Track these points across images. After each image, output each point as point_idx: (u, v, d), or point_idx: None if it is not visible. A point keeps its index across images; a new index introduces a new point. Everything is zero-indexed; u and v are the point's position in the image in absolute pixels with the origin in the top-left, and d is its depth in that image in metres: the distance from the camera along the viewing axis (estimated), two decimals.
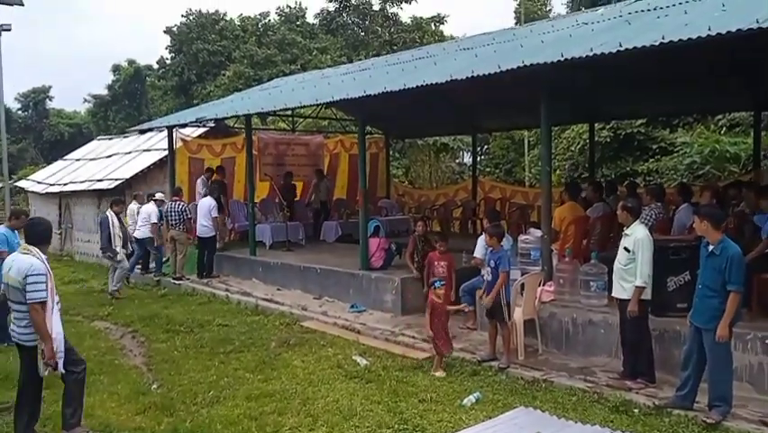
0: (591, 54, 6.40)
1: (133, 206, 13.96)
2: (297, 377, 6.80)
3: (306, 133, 17.83)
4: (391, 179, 19.14)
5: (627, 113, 16.14)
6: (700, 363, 5.45)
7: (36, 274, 4.87)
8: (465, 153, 27.62)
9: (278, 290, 11.40)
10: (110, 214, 11.84)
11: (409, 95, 8.86)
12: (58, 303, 5.12)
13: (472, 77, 7.53)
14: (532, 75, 7.22)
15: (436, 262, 7.84)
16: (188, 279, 12.64)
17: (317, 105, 12.78)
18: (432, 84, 8.09)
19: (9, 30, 14.36)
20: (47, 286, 4.92)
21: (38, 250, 5.08)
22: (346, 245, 13.14)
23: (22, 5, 14.49)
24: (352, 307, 9.87)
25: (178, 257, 12.76)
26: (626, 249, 6.19)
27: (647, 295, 6.15)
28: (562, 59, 6.62)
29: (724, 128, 17.79)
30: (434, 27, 37.73)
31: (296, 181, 15.93)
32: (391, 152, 20.14)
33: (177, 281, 12.55)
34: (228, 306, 10.67)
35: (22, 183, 25.87)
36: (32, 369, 4.98)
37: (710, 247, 5.33)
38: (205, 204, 12.59)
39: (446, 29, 38.54)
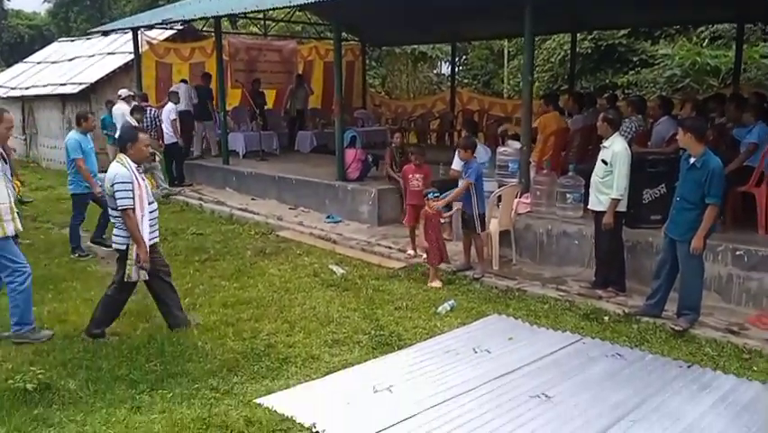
0: None
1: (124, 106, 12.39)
2: (274, 285, 6.81)
3: (279, 39, 17.09)
4: (368, 89, 18.67)
5: (610, 23, 15.75)
6: (672, 274, 5.56)
7: (121, 182, 4.96)
8: (443, 63, 26.97)
9: (253, 199, 11.27)
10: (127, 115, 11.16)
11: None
12: (152, 211, 5.21)
13: None
14: None
15: (411, 175, 7.70)
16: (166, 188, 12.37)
17: (291, 7, 12.14)
18: None
19: None
20: (133, 193, 4.97)
21: (127, 157, 5.09)
22: (321, 156, 12.95)
23: None
24: (328, 217, 9.83)
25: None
26: (603, 161, 6.15)
27: (623, 207, 6.18)
28: None
29: (706, 40, 17.52)
30: None
31: (268, 89, 15.46)
32: (368, 61, 19.51)
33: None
34: (202, 215, 10.55)
35: None
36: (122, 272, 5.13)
37: (692, 160, 5.31)
38: (167, 110, 12.21)
39: None
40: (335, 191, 10.04)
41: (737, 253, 5.93)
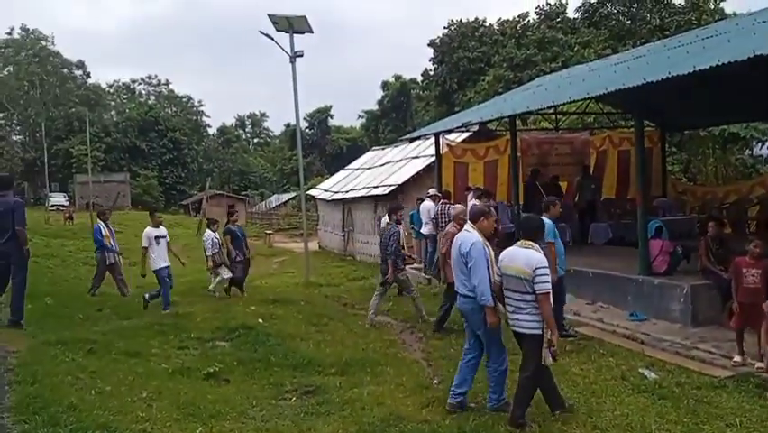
0: None
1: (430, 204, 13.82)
2: (578, 386, 6.46)
3: (571, 131, 17.13)
4: (668, 177, 17.37)
5: None
6: None
7: (544, 267, 5.22)
8: (759, 144, 23.83)
9: None
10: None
11: (692, 81, 7.87)
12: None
13: None
14: None
15: (745, 270, 6.73)
16: None
17: (587, 99, 12.14)
18: (731, 63, 7.05)
19: (302, 56, 16.36)
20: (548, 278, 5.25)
21: (537, 245, 5.44)
22: (618, 248, 12.26)
23: (312, 33, 16.39)
24: (632, 315, 9.13)
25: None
26: None
27: None
28: None
29: None
30: (712, 5, 33.49)
31: (561, 182, 15.41)
32: (667, 147, 18.27)
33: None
34: None
35: (312, 192, 29.53)
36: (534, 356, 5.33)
37: None
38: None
39: (728, 5, 33.99)
40: (639, 286, 9.33)
41: None
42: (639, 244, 9.55)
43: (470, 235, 5.69)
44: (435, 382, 6.93)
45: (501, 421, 5.46)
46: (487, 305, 5.50)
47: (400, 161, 20.93)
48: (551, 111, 15.89)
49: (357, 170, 25.12)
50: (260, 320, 10.02)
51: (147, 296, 10.81)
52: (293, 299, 12.38)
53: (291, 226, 40.03)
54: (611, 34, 36.06)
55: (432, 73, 44.77)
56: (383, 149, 26.75)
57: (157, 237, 10.76)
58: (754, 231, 14.05)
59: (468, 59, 39.78)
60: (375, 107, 58.31)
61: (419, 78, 48.96)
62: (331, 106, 68.46)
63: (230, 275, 12.37)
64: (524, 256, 5.29)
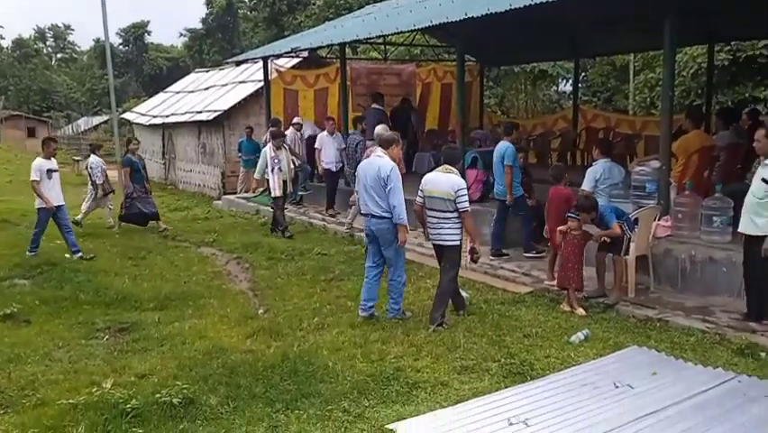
0: None
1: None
2: None
3: (398, 62, 17.39)
4: (485, 109, 18.48)
5: (752, 33, 14.53)
6: None
7: (463, 189, 6.06)
8: (563, 81, 26.21)
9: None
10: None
11: (509, 17, 8.29)
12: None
13: None
14: None
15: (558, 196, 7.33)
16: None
17: (414, 31, 12.29)
18: (544, 2, 7.46)
19: None
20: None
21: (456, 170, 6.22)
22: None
23: None
24: None
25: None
26: (764, 180, 5.59)
27: None
28: None
29: None
30: None
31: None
32: (485, 81, 19.34)
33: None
34: (325, 235, 10.83)
35: (127, 115, 27.16)
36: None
37: None
38: (325, 137, 12.38)
39: None
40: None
41: None
42: None
43: (386, 161, 6.24)
44: (261, 311, 6.88)
45: (327, 339, 5.59)
46: (402, 223, 6.17)
47: (226, 85, 19.91)
48: (380, 41, 15.94)
49: (178, 93, 23.51)
50: (67, 255, 9.19)
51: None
52: (106, 233, 11.50)
53: (104, 153, 36.74)
54: None
55: None
56: (207, 71, 25.19)
57: (49, 171, 9.17)
58: (555, 160, 15.56)
59: None
60: (199, 26, 54.48)
61: None
62: (148, 22, 62.40)
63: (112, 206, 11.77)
64: (446, 180, 6.05)
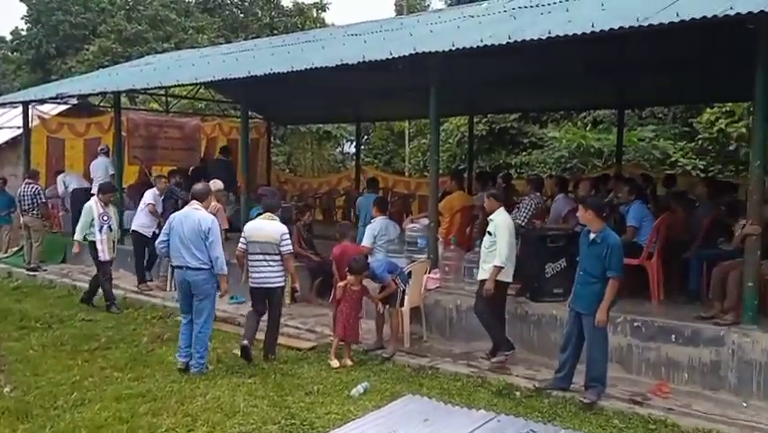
0: (482, 45, 6.48)
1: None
2: (173, 374, 6.34)
3: (181, 115, 16.83)
4: (272, 167, 18.62)
5: (502, 108, 16.80)
6: (578, 347, 5.72)
7: (286, 233, 6.81)
8: (347, 142, 27.57)
9: (152, 281, 10.63)
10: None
11: (294, 79, 8.57)
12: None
13: (364, 62, 7.38)
14: (421, 63, 7.21)
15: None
16: (45, 269, 11.51)
17: (196, 84, 12.06)
18: (321, 68, 7.85)
19: None
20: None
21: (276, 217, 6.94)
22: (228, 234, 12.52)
23: None
24: (232, 298, 9.39)
25: (34, 245, 11.58)
26: (488, 233, 6.49)
27: (508, 277, 6.43)
28: (454, 48, 6.65)
29: (589, 125, 19.02)
30: (315, 14, 37.18)
31: (168, 165, 14.97)
32: (272, 139, 19.57)
33: (31, 272, 11.39)
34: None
35: None
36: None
37: (592, 235, 5.58)
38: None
39: (328, 16, 38.23)
40: (236, 272, 9.68)
41: (635, 324, 6.21)
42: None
43: (206, 214, 6.47)
44: (7, 390, 5.92)
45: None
46: (224, 274, 6.46)
47: None
48: (161, 93, 15.34)
49: None
50: None
51: None
52: None
53: None
54: (225, 24, 36.80)
55: (24, 33, 38.62)
56: None
57: None
58: (340, 217, 16.12)
59: (70, 23, 35.47)
60: None
61: (8, 38, 41.75)
62: None
63: None
64: (270, 226, 6.62)
